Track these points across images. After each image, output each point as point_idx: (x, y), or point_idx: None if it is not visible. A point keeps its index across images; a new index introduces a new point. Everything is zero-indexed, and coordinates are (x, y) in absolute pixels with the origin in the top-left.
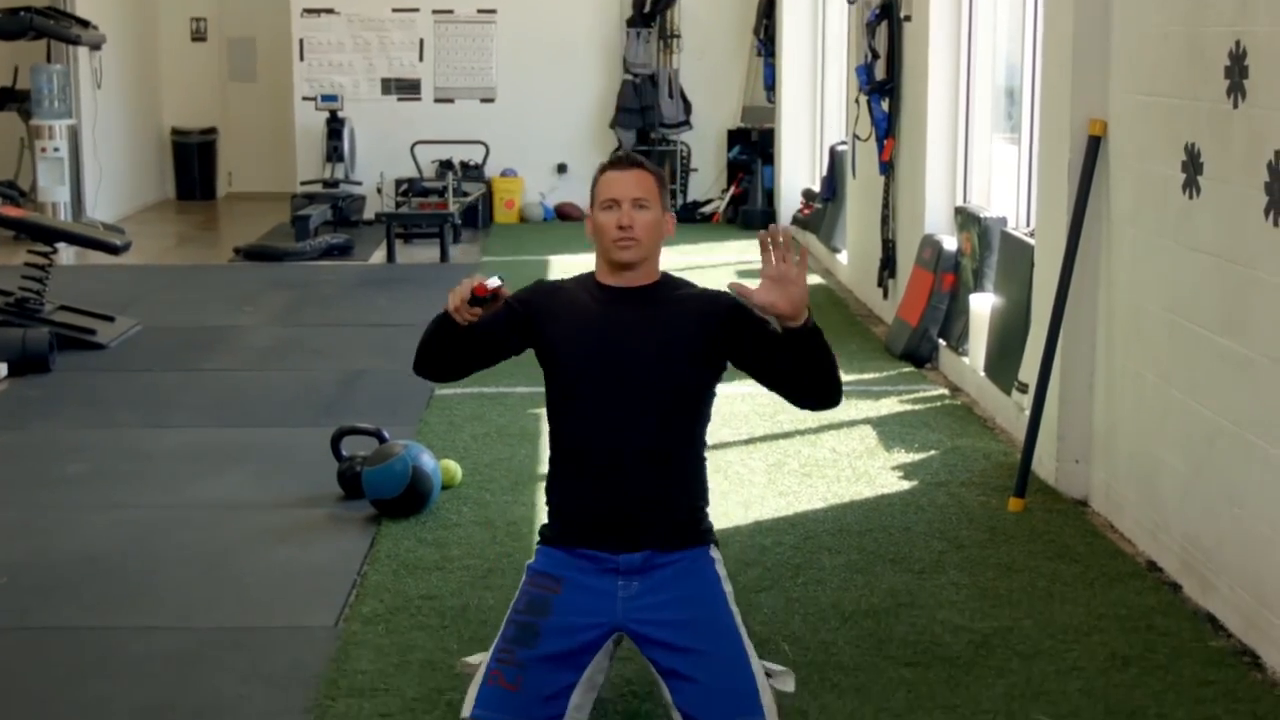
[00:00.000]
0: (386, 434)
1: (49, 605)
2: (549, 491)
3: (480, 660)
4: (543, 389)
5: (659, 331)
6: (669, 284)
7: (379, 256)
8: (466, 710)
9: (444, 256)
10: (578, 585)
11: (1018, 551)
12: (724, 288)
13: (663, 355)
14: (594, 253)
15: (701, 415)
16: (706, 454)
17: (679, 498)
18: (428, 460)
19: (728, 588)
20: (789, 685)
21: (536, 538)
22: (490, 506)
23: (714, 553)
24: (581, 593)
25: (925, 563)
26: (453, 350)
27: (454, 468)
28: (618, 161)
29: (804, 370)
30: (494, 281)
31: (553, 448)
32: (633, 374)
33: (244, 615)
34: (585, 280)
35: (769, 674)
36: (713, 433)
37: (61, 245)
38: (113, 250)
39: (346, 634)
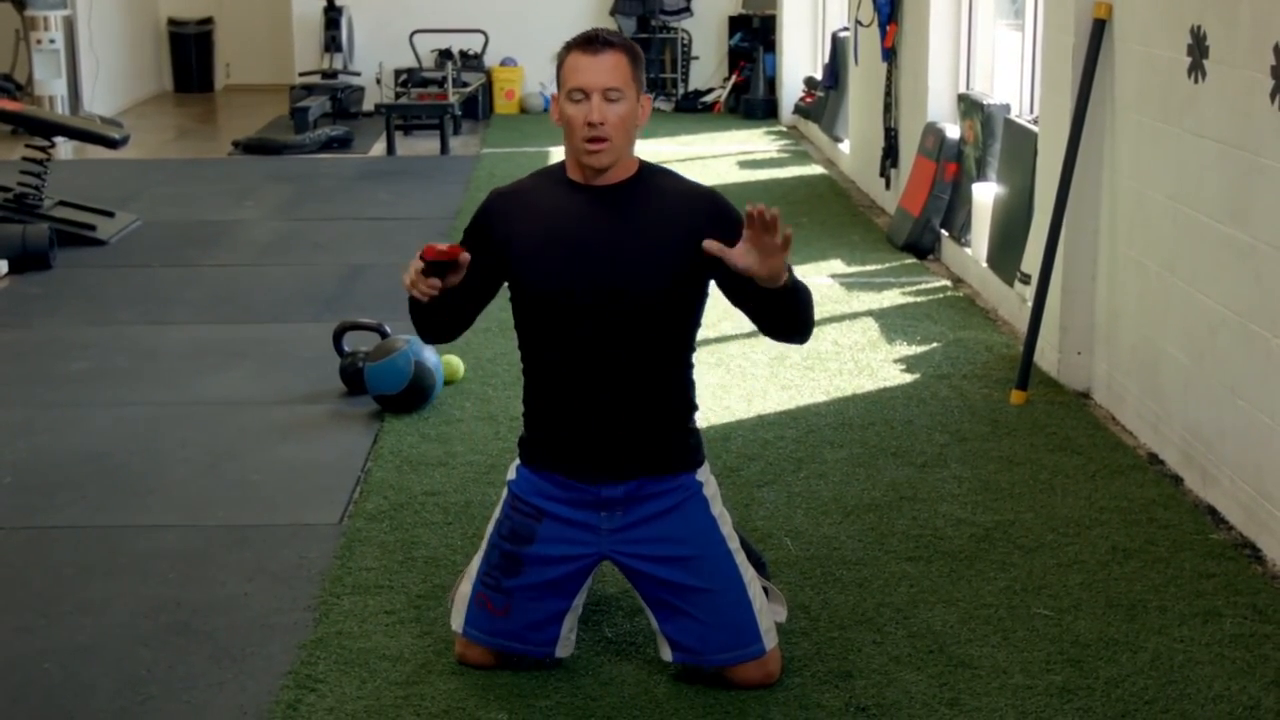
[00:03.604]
0: (388, 329)
1: (53, 504)
2: (525, 405)
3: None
4: None
5: (639, 237)
6: (648, 177)
7: (379, 148)
8: (456, 625)
9: (444, 148)
10: (559, 517)
11: (1019, 444)
12: (709, 189)
13: (645, 263)
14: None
15: (691, 325)
16: (708, 351)
17: (666, 420)
18: (430, 355)
19: (716, 510)
20: (780, 615)
21: (517, 459)
22: (493, 401)
23: (702, 475)
24: (563, 525)
25: (927, 456)
26: (439, 316)
27: (456, 363)
28: (586, 42)
29: (777, 316)
30: (443, 246)
31: (525, 365)
32: (613, 285)
33: (248, 512)
34: (554, 174)
35: (766, 591)
36: (713, 325)
37: (59, 139)
38: (111, 144)
39: (350, 531)
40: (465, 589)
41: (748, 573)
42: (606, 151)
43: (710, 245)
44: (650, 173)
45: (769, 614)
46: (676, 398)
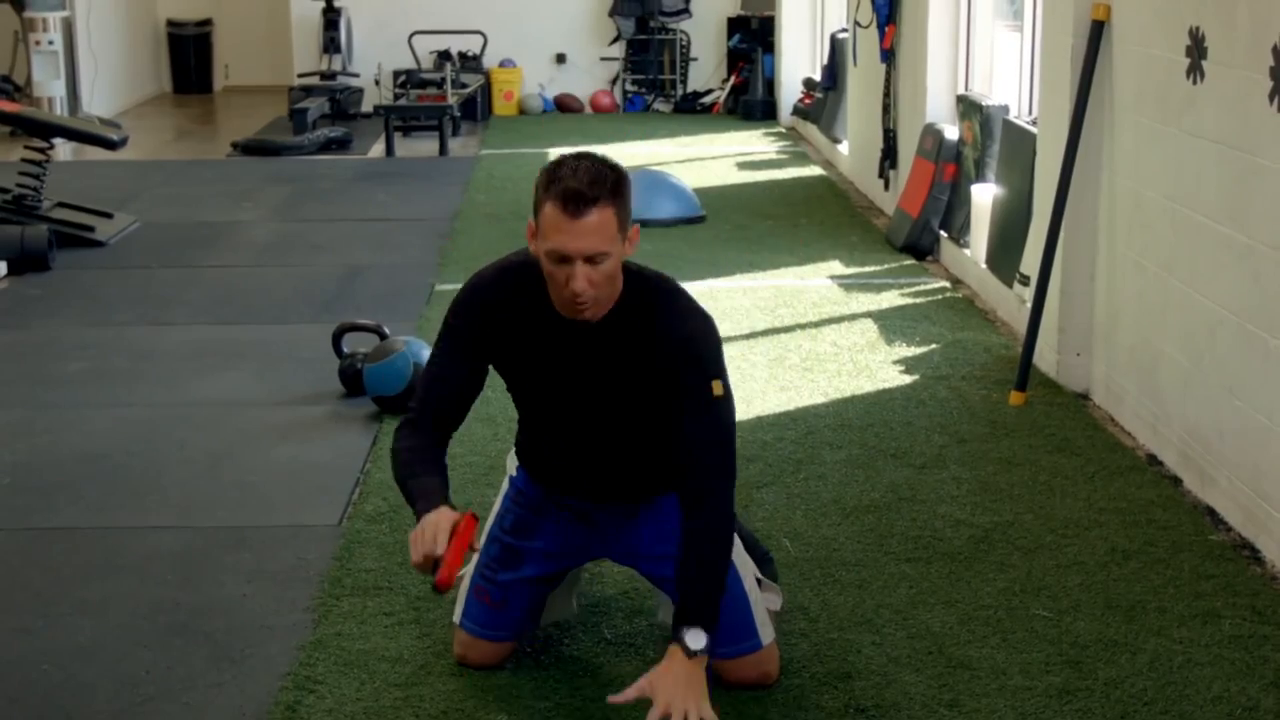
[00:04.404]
0: (387, 330)
1: (51, 505)
2: (518, 434)
3: (467, 570)
4: None
5: (619, 375)
6: (631, 311)
7: (378, 150)
8: (456, 617)
9: (443, 149)
10: (560, 518)
11: (1018, 445)
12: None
13: (618, 400)
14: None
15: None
16: None
17: (658, 472)
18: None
19: None
20: (776, 604)
21: (514, 450)
22: (491, 403)
23: None
24: (565, 524)
25: (926, 457)
26: None
27: None
28: (567, 201)
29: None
30: (446, 572)
31: (516, 407)
32: (590, 411)
33: (247, 514)
34: (536, 298)
35: (759, 582)
36: None
37: (58, 140)
38: (110, 145)
39: (350, 532)
40: (465, 584)
41: (743, 568)
42: (590, 309)
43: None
44: (633, 302)
45: (764, 608)
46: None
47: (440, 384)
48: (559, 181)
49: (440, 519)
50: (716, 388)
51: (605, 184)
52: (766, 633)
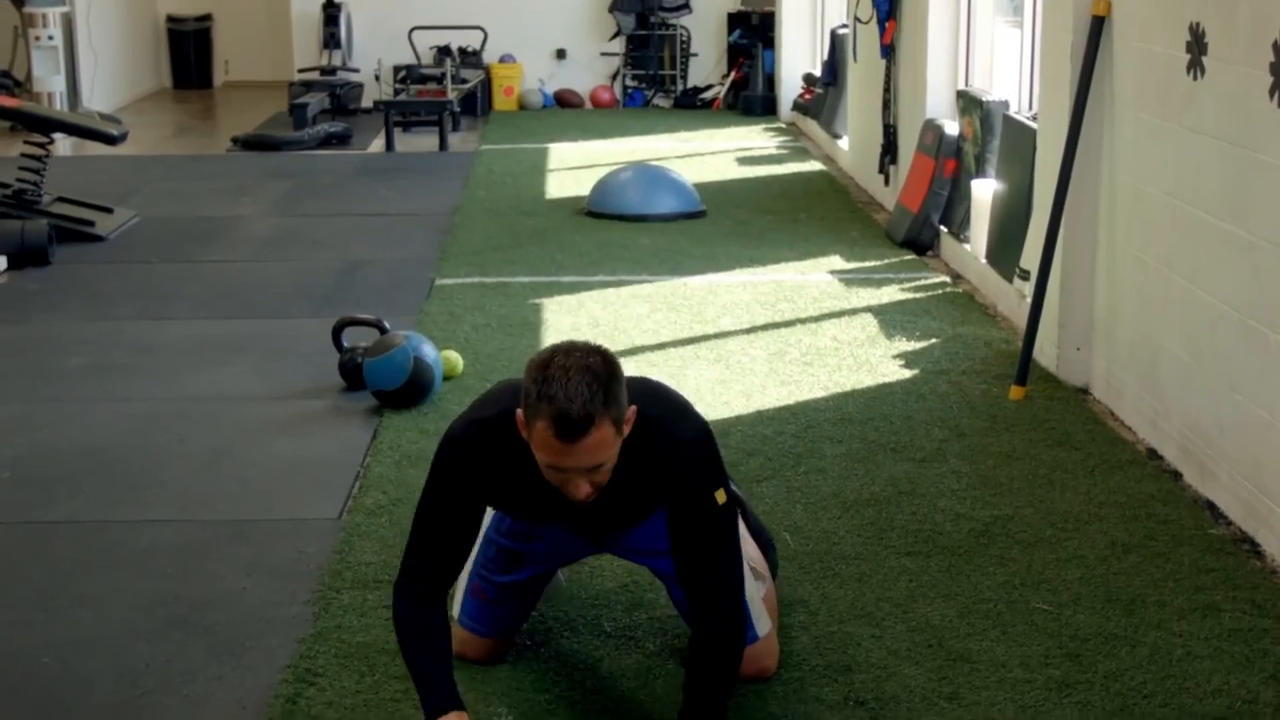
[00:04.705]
0: (387, 325)
1: (51, 499)
2: None
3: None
4: (543, 278)
5: (618, 515)
6: (631, 447)
7: (378, 145)
8: (454, 612)
9: (443, 145)
10: (557, 525)
11: (1018, 440)
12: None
13: (624, 525)
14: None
15: None
16: (707, 347)
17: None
18: (429, 351)
19: None
20: (761, 590)
21: None
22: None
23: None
24: (563, 530)
25: (926, 451)
26: None
27: (455, 358)
28: (562, 425)
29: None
30: None
31: None
32: (589, 549)
33: (246, 508)
34: (525, 468)
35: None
36: (713, 321)
37: (58, 135)
38: (110, 140)
39: (350, 526)
40: (463, 581)
41: (744, 558)
42: (590, 499)
43: None
44: (628, 458)
45: (760, 599)
46: None
47: (433, 546)
48: (551, 401)
49: None
50: (720, 496)
51: (598, 399)
52: (763, 625)
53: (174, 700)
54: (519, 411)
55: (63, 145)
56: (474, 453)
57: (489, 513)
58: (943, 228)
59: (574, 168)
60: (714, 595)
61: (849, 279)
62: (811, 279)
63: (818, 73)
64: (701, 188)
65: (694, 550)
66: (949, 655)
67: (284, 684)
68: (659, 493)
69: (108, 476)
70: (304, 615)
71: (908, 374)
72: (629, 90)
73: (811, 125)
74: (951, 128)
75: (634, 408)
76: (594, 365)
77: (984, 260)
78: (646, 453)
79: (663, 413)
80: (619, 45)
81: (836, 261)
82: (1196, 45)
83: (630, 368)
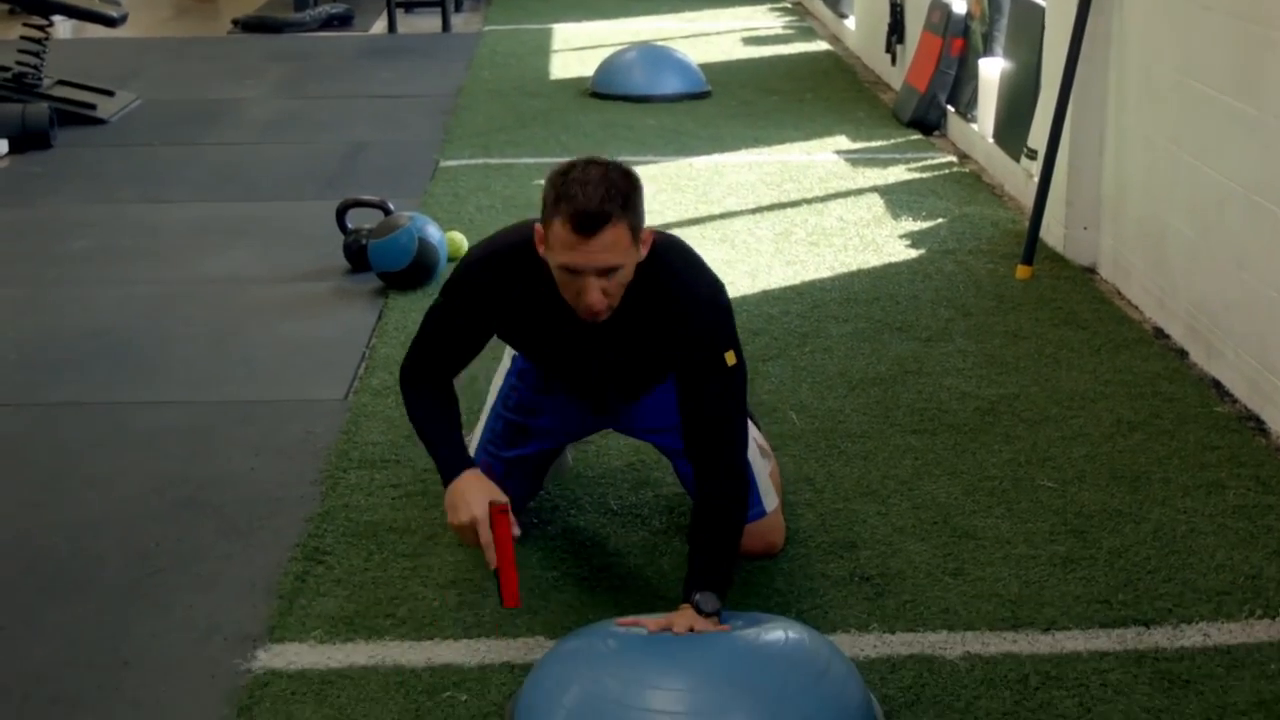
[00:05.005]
0: (392, 206)
1: (59, 381)
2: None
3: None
4: (547, 159)
5: (628, 357)
6: (641, 299)
7: (380, 26)
8: None
9: (445, 26)
10: (563, 398)
11: (1025, 319)
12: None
13: (627, 379)
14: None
15: None
16: (713, 227)
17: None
18: (433, 232)
19: None
20: (767, 468)
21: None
22: None
23: None
24: (569, 402)
25: (932, 330)
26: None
27: (460, 239)
28: (579, 221)
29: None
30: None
31: None
32: (598, 388)
33: (253, 389)
34: (542, 288)
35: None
36: (719, 201)
37: (57, 18)
38: (109, 22)
39: (356, 406)
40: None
41: (751, 436)
42: (603, 315)
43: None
44: (643, 291)
45: (767, 475)
46: None
47: (438, 351)
48: (569, 200)
49: (473, 499)
50: (730, 358)
51: (616, 199)
52: (770, 500)
53: (184, 579)
54: (538, 226)
55: (62, 28)
56: (491, 275)
57: (494, 390)
58: (950, 107)
59: (578, 48)
60: (719, 456)
61: (855, 159)
62: (817, 159)
63: None
64: (707, 68)
65: (701, 410)
66: (954, 532)
67: (293, 562)
68: (670, 346)
69: (114, 359)
70: (311, 495)
71: (914, 254)
72: None
73: (817, 4)
74: (959, 6)
75: (651, 231)
76: (613, 175)
77: (991, 140)
78: (661, 301)
79: (682, 266)
80: None
81: (842, 142)
82: None
83: None
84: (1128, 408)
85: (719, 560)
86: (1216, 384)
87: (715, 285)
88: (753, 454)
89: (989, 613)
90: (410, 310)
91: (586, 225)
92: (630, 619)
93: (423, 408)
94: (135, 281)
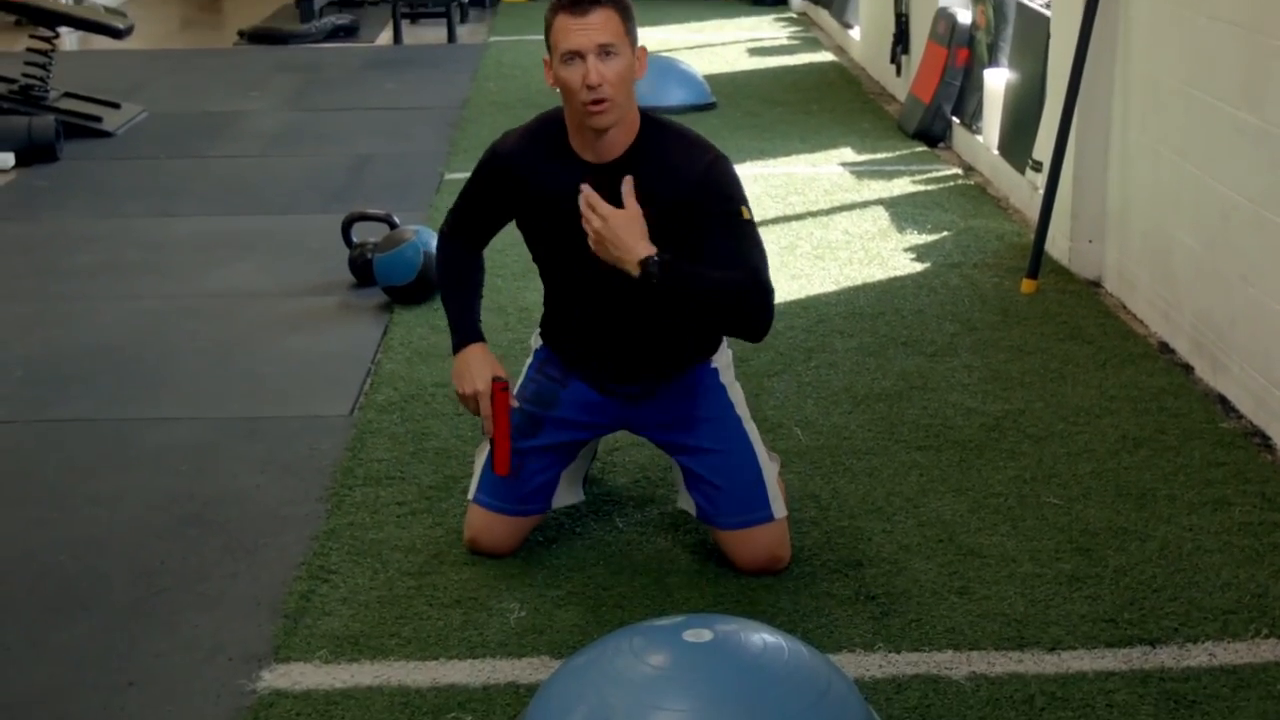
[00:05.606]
0: (397, 219)
1: (64, 397)
2: (544, 307)
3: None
4: None
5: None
6: (647, 146)
7: (385, 37)
8: (471, 493)
9: (451, 37)
10: (579, 387)
11: (1030, 333)
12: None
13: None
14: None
15: None
16: None
17: (678, 339)
18: None
19: (726, 379)
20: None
21: (539, 327)
22: (502, 292)
23: (716, 362)
24: (586, 391)
25: (937, 345)
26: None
27: None
28: (573, 2)
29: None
30: (496, 440)
31: (541, 276)
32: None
33: (259, 405)
34: (555, 140)
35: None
36: None
37: (64, 30)
38: (116, 34)
39: (361, 422)
40: (480, 460)
41: (757, 441)
42: (609, 111)
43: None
44: (649, 139)
45: (777, 484)
46: (686, 329)
47: (468, 217)
48: None
49: (477, 373)
50: (744, 212)
51: None
52: (778, 507)
53: (189, 597)
54: (544, 58)
55: (68, 40)
56: (513, 140)
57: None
58: (955, 119)
59: None
60: (743, 269)
61: (860, 171)
62: (822, 171)
63: None
64: (712, 79)
65: (721, 255)
66: (959, 550)
67: (298, 581)
68: (680, 192)
69: (120, 374)
70: (317, 512)
71: (919, 267)
72: None
73: (823, 15)
74: (964, 16)
75: (644, 48)
76: None
77: (996, 152)
78: (669, 148)
79: (691, 131)
80: None
81: (848, 153)
82: None
83: None
84: (1133, 423)
85: (701, 275)
86: (1222, 399)
87: (721, 151)
88: (762, 457)
89: (994, 632)
90: (415, 325)
91: (578, 4)
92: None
93: (448, 273)
94: (141, 296)
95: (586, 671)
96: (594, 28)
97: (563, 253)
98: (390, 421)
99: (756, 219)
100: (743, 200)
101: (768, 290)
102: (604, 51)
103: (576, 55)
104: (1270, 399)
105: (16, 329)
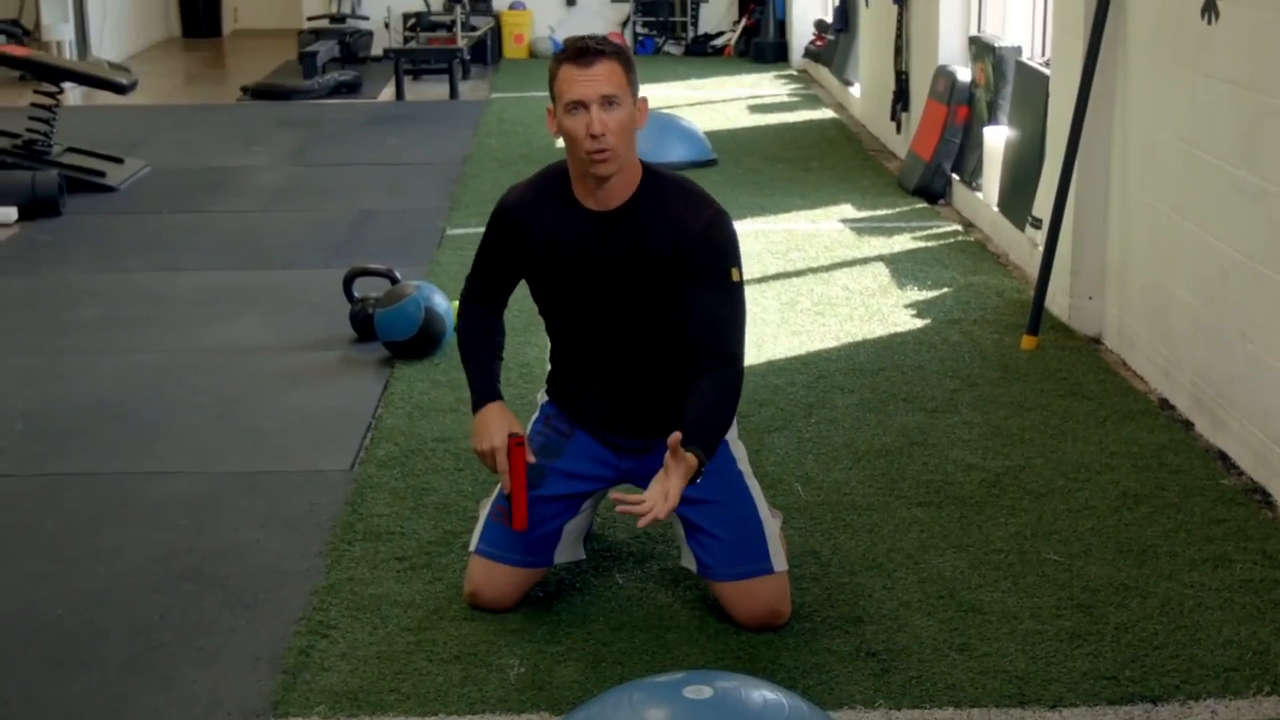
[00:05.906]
0: (398, 275)
1: (65, 451)
2: (550, 361)
3: (489, 499)
4: None
5: (634, 265)
6: (648, 198)
7: (388, 93)
8: (472, 545)
9: (453, 93)
10: (583, 439)
11: (1030, 390)
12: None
13: (639, 287)
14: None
15: None
16: None
17: (677, 398)
18: (440, 301)
19: (736, 452)
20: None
21: (545, 384)
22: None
23: None
24: (591, 444)
25: (938, 401)
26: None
27: None
28: (578, 55)
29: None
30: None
31: (547, 329)
32: (613, 302)
33: (259, 459)
34: (559, 190)
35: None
36: None
37: (68, 85)
38: (119, 89)
39: (362, 477)
40: (484, 512)
41: (759, 496)
42: (611, 160)
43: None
44: (650, 188)
45: (778, 539)
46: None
47: (483, 275)
48: (568, 48)
49: (494, 430)
50: (734, 274)
51: (610, 45)
52: (779, 561)
53: (187, 652)
54: (548, 107)
55: (72, 95)
56: (516, 194)
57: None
58: (955, 176)
59: None
60: (717, 354)
61: (860, 228)
62: (823, 228)
63: (829, 19)
64: (712, 136)
65: (703, 312)
66: (960, 606)
67: (297, 636)
68: (676, 245)
69: (121, 428)
70: (316, 567)
71: (919, 323)
72: (639, 37)
73: (823, 72)
74: (964, 74)
75: (645, 99)
76: (609, 38)
77: (996, 208)
78: (669, 201)
79: (693, 184)
80: None
81: (848, 210)
82: None
83: None
84: (1133, 480)
85: (707, 429)
86: (1222, 455)
87: (721, 207)
88: (763, 511)
89: (995, 689)
90: (416, 380)
91: (583, 57)
92: (621, 494)
93: (469, 336)
94: (142, 350)
95: None
96: (598, 79)
97: (565, 298)
98: (390, 477)
99: (757, 275)
100: (736, 261)
101: (743, 373)
102: (607, 102)
103: (580, 105)
104: (1270, 455)
105: (18, 382)
